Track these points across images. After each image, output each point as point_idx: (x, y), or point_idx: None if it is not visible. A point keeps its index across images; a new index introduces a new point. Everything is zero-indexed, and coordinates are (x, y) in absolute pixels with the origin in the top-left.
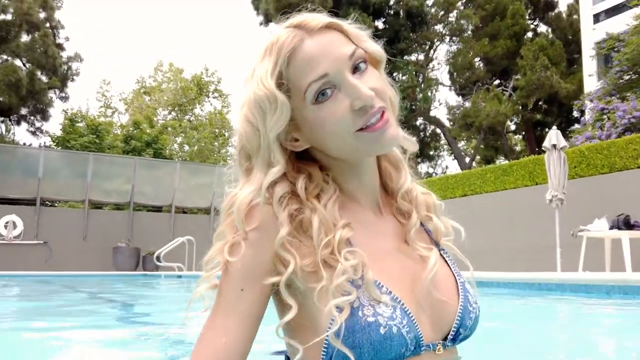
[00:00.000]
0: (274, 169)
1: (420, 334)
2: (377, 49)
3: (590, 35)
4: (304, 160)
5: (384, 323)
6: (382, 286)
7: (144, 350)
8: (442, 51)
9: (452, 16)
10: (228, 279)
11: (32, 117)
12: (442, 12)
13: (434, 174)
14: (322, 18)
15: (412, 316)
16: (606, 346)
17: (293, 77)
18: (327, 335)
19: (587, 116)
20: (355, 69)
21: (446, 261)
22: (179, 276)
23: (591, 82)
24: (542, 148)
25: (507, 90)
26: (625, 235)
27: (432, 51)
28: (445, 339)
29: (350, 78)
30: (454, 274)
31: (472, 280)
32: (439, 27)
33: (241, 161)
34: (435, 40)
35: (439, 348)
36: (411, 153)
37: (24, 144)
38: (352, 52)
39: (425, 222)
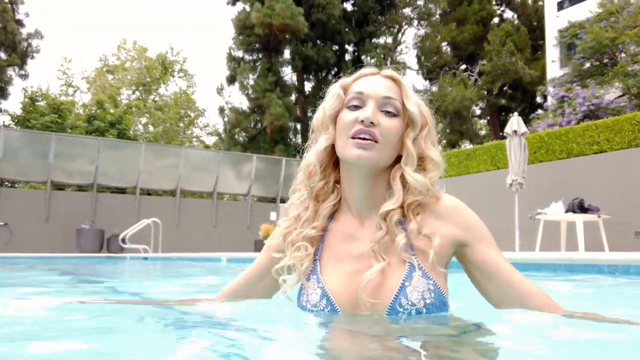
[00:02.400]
0: (324, 136)
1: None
2: (414, 112)
3: (554, 23)
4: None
5: (309, 307)
6: (320, 281)
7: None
8: (410, 35)
9: (421, 0)
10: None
11: None
12: None
13: None
14: (392, 72)
15: (336, 307)
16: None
17: (350, 88)
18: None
19: (549, 102)
20: (385, 112)
21: (417, 268)
22: (145, 258)
23: (554, 69)
24: (504, 134)
25: (473, 75)
26: (579, 218)
27: (400, 35)
28: None
29: (372, 105)
30: (403, 281)
31: (431, 288)
32: (407, 11)
33: (313, 133)
34: (404, 23)
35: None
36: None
37: None
38: (389, 96)
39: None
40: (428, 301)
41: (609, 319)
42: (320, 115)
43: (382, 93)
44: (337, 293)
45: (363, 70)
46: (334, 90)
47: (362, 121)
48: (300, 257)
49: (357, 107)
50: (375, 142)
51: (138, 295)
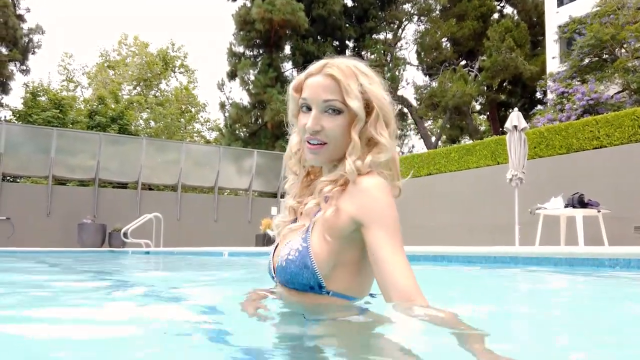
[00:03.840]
0: (293, 133)
1: (273, 273)
2: (354, 107)
3: (554, 18)
4: None
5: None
6: (275, 240)
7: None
8: (411, 31)
9: None
10: None
11: None
12: None
13: (400, 153)
14: (331, 69)
15: (270, 261)
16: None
17: (302, 90)
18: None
19: (549, 97)
20: (329, 110)
21: (304, 231)
22: (147, 252)
23: (554, 64)
24: (504, 129)
25: (472, 71)
26: (579, 213)
27: (400, 30)
28: None
29: (315, 111)
30: (291, 239)
31: (304, 251)
32: (407, 7)
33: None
34: (404, 19)
35: (277, 283)
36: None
37: None
38: (328, 99)
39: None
40: (291, 257)
41: (460, 327)
42: (288, 111)
43: (322, 97)
44: (279, 250)
45: (310, 69)
46: (289, 93)
47: (306, 130)
48: (280, 219)
49: (308, 109)
50: (324, 144)
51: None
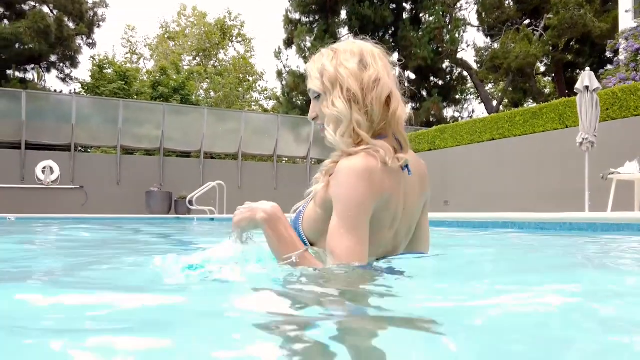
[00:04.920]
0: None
1: None
2: (314, 88)
3: None
4: None
5: None
6: None
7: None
8: None
9: None
10: None
11: (61, 64)
12: None
13: (460, 118)
14: (306, 65)
15: None
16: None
17: None
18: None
19: (622, 56)
20: (315, 98)
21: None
22: (212, 219)
23: (627, 19)
24: (574, 90)
25: (537, 30)
26: None
27: None
28: None
29: (312, 103)
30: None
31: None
32: None
33: None
34: None
35: None
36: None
37: (55, 90)
38: (310, 89)
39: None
40: (292, 217)
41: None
42: None
43: (308, 88)
44: None
45: None
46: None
47: None
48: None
49: None
50: (324, 127)
51: None
